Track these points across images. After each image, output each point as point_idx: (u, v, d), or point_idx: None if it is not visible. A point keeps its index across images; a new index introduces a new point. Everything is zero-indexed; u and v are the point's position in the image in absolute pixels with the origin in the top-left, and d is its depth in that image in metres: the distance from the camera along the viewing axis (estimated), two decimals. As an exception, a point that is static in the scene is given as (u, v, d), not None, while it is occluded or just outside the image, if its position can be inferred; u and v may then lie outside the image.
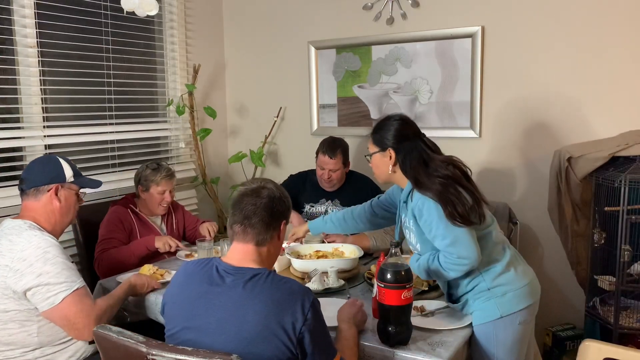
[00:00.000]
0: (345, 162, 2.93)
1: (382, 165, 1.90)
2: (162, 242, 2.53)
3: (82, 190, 1.99)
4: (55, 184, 1.87)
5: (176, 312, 1.48)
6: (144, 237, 2.61)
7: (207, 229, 2.76)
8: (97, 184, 2.06)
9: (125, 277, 2.28)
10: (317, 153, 2.93)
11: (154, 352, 1.29)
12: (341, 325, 1.64)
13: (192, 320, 1.43)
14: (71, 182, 1.92)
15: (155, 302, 2.06)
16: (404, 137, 1.85)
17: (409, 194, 1.83)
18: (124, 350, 1.36)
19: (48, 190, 1.86)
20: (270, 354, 1.36)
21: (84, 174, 2.03)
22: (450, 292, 1.87)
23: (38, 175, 1.87)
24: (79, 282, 1.75)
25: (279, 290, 1.40)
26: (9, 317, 1.71)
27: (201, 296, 1.44)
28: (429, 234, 1.77)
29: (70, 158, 1.99)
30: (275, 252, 1.57)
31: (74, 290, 1.71)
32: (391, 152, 1.86)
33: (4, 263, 1.69)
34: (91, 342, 1.80)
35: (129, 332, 1.38)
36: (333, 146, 2.88)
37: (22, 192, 1.88)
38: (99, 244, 2.55)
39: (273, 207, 1.49)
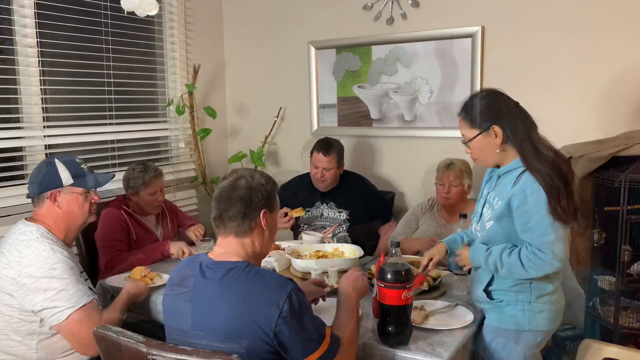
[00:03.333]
0: (340, 163, 2.93)
1: (488, 146, 1.74)
2: (177, 248, 2.53)
3: (90, 189, 1.91)
4: (51, 190, 1.83)
5: (168, 312, 1.50)
6: (158, 243, 2.61)
7: (194, 233, 2.75)
8: (102, 181, 1.97)
9: (113, 280, 2.27)
10: (311, 152, 2.94)
11: (154, 352, 1.30)
12: (341, 297, 1.60)
13: (178, 319, 1.44)
14: (70, 185, 1.85)
15: (154, 302, 2.06)
16: (503, 109, 1.71)
17: (511, 173, 1.71)
18: (125, 350, 1.36)
19: (47, 198, 1.83)
20: (249, 347, 1.33)
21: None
22: (489, 284, 1.80)
23: (35, 182, 1.85)
24: (86, 297, 1.72)
25: (254, 284, 1.38)
26: (12, 327, 1.71)
27: (184, 294, 1.44)
28: (523, 225, 1.66)
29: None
30: (262, 243, 1.52)
31: (80, 307, 1.69)
32: (496, 129, 1.71)
33: (11, 275, 1.68)
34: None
35: (129, 332, 1.39)
36: (328, 145, 2.89)
37: (31, 200, 1.87)
38: (105, 248, 2.53)
39: (249, 198, 1.46)
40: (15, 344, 1.73)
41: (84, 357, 1.80)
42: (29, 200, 2.57)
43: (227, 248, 1.48)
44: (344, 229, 2.92)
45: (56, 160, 1.87)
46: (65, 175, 1.84)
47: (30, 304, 1.67)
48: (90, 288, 1.85)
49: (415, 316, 1.74)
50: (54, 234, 1.82)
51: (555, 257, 1.63)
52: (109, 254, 2.51)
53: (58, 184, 1.83)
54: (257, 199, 1.48)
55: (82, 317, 1.68)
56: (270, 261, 2.30)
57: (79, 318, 1.67)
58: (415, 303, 1.83)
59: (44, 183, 1.83)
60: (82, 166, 1.90)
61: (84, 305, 1.69)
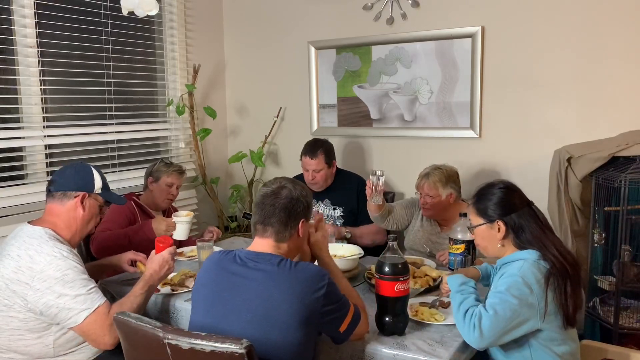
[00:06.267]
0: (329, 162, 2.93)
1: (489, 238, 1.74)
2: (164, 227, 2.44)
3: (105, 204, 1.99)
4: (83, 191, 1.87)
5: (201, 296, 1.57)
6: (140, 224, 2.57)
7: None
8: (122, 201, 2.07)
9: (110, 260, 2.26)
10: (300, 157, 2.94)
11: (169, 337, 1.39)
12: (326, 259, 1.74)
13: (216, 302, 1.52)
14: (98, 194, 1.92)
15: (154, 302, 2.06)
16: (512, 207, 1.70)
17: (510, 264, 1.67)
18: (143, 335, 1.46)
19: (75, 197, 1.85)
20: (291, 330, 1.44)
21: None
22: None
23: (69, 180, 1.87)
24: (98, 300, 1.76)
25: (300, 273, 1.50)
26: (28, 327, 1.74)
27: (224, 280, 1.54)
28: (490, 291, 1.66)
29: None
30: (295, 249, 1.65)
31: (95, 310, 1.73)
32: (500, 224, 1.71)
33: (24, 280, 1.70)
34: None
35: (147, 319, 1.49)
36: (314, 147, 2.89)
37: (49, 193, 1.88)
38: (99, 224, 2.49)
39: (291, 208, 1.58)
40: (31, 342, 1.75)
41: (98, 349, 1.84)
42: (29, 200, 2.64)
43: (264, 247, 1.59)
44: (339, 226, 2.93)
45: (91, 166, 1.95)
46: (98, 183, 1.92)
47: (46, 306, 1.70)
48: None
49: (423, 314, 1.79)
50: (61, 236, 1.84)
51: (479, 326, 1.53)
52: (98, 230, 2.47)
53: (91, 188, 1.90)
54: (299, 209, 1.60)
55: (96, 319, 1.73)
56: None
57: (94, 319, 1.73)
58: (414, 300, 1.84)
59: (79, 183, 1.88)
60: (107, 181, 1.99)
61: (98, 308, 1.74)
